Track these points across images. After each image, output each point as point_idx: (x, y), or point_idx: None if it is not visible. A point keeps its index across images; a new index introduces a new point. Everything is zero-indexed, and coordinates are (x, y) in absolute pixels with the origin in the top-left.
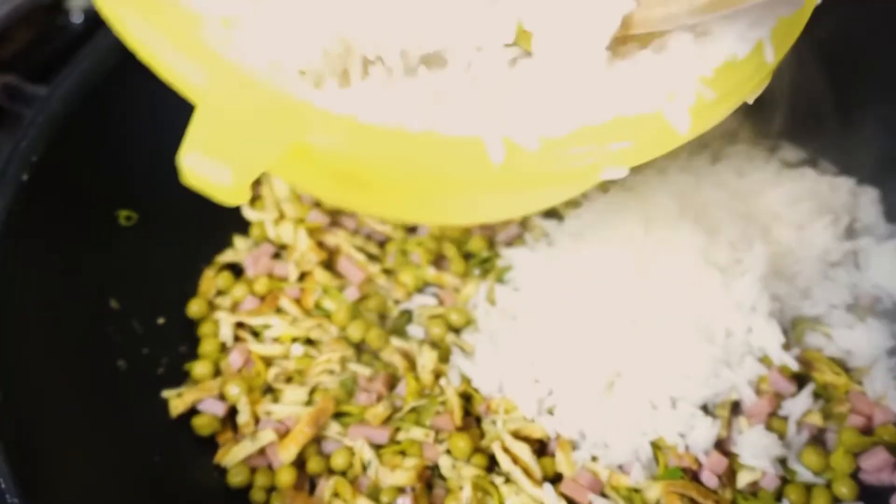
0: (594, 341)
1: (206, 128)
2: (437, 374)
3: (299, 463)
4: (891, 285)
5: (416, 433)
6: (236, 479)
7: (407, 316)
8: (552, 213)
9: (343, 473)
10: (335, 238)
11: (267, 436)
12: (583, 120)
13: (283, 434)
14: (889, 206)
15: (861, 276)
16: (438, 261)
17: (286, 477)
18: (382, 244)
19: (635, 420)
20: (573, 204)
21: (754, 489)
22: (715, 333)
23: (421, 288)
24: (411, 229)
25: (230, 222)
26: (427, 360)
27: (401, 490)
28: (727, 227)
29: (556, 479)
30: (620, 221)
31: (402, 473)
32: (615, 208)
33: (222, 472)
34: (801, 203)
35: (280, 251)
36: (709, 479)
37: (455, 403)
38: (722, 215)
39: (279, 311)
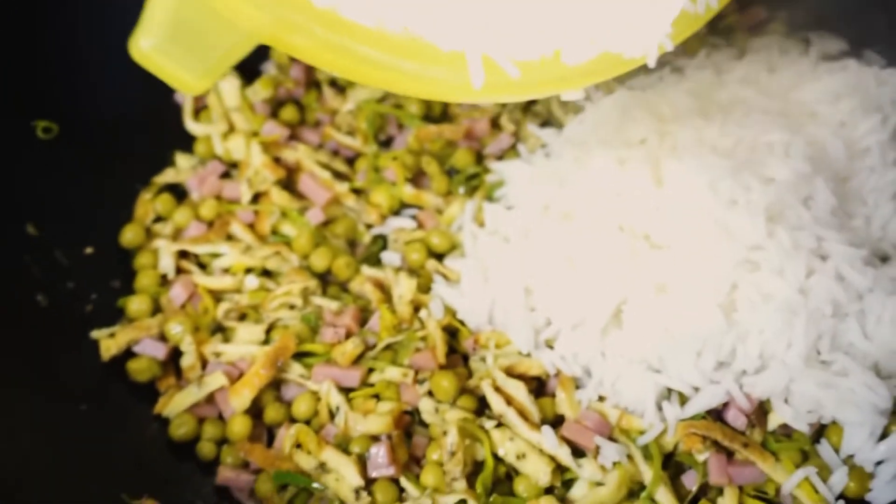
0: (599, 263)
1: (172, 7)
2: (417, 306)
3: (255, 411)
4: None
5: (393, 373)
6: (180, 430)
7: (381, 241)
8: (550, 121)
9: (307, 422)
10: (295, 153)
11: (216, 380)
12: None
13: (236, 378)
14: None
15: None
16: (417, 178)
17: (239, 427)
18: (351, 160)
19: (648, 353)
20: (574, 108)
21: (788, 430)
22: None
23: (397, 209)
24: (385, 142)
25: (170, 136)
26: (404, 289)
27: (374, 439)
28: (756, 127)
29: (556, 421)
30: (630, 125)
31: (375, 420)
32: (623, 111)
33: (164, 423)
34: (842, 99)
35: (230, 169)
36: (735, 418)
37: (438, 338)
38: (750, 115)
39: (230, 237)
